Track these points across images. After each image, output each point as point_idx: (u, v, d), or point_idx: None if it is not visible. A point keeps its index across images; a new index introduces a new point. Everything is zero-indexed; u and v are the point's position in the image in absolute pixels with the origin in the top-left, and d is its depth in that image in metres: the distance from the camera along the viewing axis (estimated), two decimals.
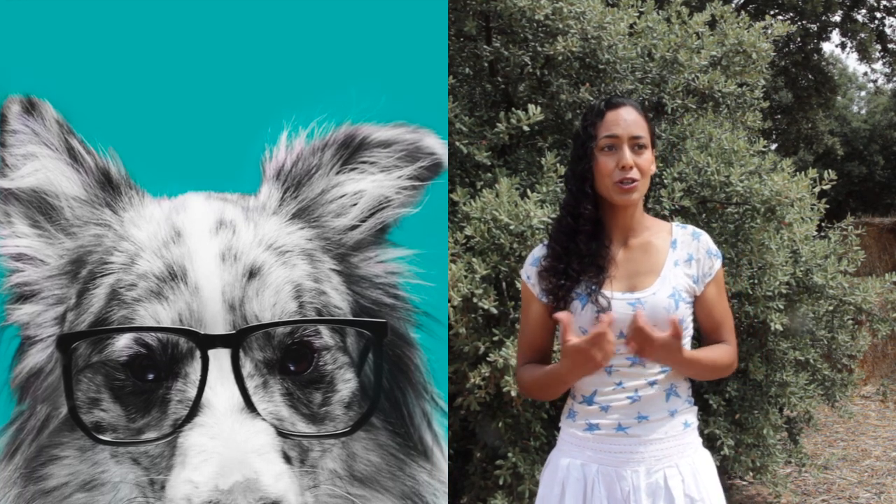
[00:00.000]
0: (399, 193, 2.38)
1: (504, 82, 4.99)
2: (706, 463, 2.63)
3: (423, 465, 2.38)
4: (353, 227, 2.37)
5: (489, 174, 4.51)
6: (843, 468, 6.91)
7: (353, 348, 2.31)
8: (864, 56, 18.93)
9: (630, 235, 2.63)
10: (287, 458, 2.14)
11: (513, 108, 4.41)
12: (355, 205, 2.37)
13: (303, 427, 2.21)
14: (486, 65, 5.01)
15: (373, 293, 2.38)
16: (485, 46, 4.86)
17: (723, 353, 2.63)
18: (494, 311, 3.90)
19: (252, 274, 2.21)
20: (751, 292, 4.65)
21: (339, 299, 2.32)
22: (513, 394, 3.76)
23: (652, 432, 2.55)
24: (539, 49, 4.73)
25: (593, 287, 2.54)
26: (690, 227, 2.67)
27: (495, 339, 3.93)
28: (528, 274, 2.68)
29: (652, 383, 2.55)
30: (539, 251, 2.68)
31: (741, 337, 4.88)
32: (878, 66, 28.40)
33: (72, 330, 2.24)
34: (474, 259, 3.87)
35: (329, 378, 2.26)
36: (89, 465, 2.24)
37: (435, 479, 2.39)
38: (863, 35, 18.01)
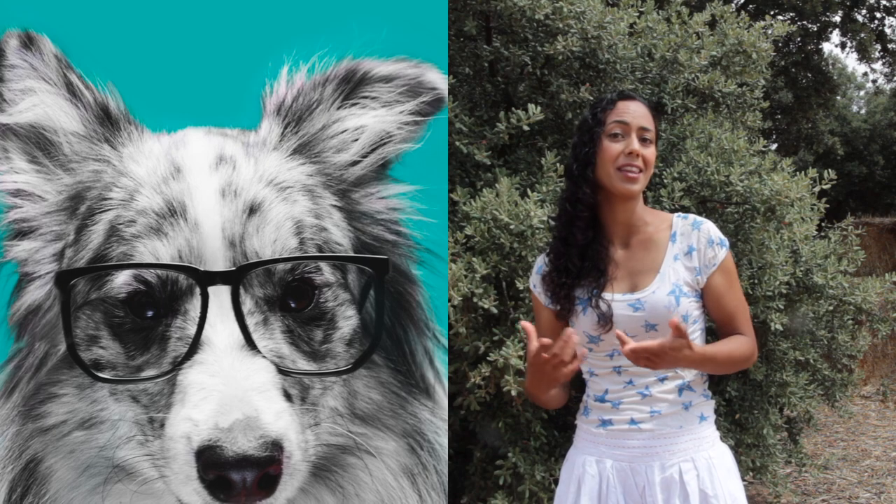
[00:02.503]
0: (400, 129, 2.37)
1: (504, 82, 5.00)
2: (723, 457, 2.61)
3: (425, 403, 2.36)
4: (355, 163, 2.36)
5: (489, 174, 4.51)
6: (843, 468, 6.91)
7: (355, 285, 2.29)
8: (864, 56, 18.96)
9: (631, 233, 2.61)
10: (288, 396, 2.12)
11: (513, 108, 4.41)
12: (356, 140, 2.35)
13: (303, 364, 2.19)
14: (486, 65, 5.02)
15: (374, 229, 2.36)
16: (485, 46, 4.87)
17: (739, 345, 2.58)
18: (494, 310, 3.89)
19: (252, 210, 2.19)
20: (751, 292, 4.63)
21: (340, 235, 2.30)
22: (513, 393, 3.73)
23: (665, 426, 2.54)
24: (539, 49, 4.73)
25: (594, 291, 2.53)
26: (692, 217, 2.63)
27: (495, 338, 3.93)
28: (535, 283, 2.70)
29: (662, 379, 2.54)
30: (542, 259, 2.70)
31: None
32: (877, 66, 28.56)
33: (70, 266, 2.23)
34: (474, 259, 3.86)
35: (330, 315, 2.24)
36: (88, 402, 2.22)
37: (437, 417, 2.37)
38: (863, 35, 18.03)
